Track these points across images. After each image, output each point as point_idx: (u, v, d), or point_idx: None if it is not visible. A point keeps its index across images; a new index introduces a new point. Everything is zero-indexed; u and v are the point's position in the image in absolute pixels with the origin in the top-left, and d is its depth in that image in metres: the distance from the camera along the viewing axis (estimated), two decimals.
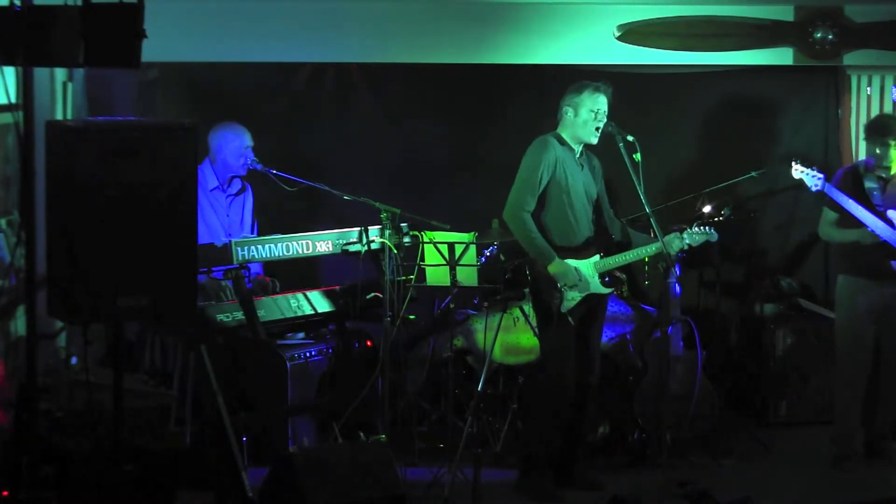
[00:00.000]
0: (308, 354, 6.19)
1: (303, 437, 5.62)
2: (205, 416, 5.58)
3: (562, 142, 6.00)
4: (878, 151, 6.39)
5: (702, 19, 7.37)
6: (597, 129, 5.94)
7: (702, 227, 6.10)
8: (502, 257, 6.49)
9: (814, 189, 6.40)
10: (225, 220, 6.67)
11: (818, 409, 7.14)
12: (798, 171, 6.42)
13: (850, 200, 6.30)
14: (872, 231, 6.29)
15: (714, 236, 6.13)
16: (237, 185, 6.74)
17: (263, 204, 6.92)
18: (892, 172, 6.41)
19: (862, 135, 6.77)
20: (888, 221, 6.32)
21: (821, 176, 6.36)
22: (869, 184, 6.40)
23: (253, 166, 6.52)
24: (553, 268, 5.87)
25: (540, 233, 5.92)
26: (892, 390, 6.57)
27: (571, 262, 5.93)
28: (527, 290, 6.31)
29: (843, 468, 6.45)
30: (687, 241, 6.04)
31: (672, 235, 6.04)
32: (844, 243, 6.47)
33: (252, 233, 6.77)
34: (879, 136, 6.41)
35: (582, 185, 6.02)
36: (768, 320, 7.31)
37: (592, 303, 6.03)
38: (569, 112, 5.98)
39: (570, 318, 5.92)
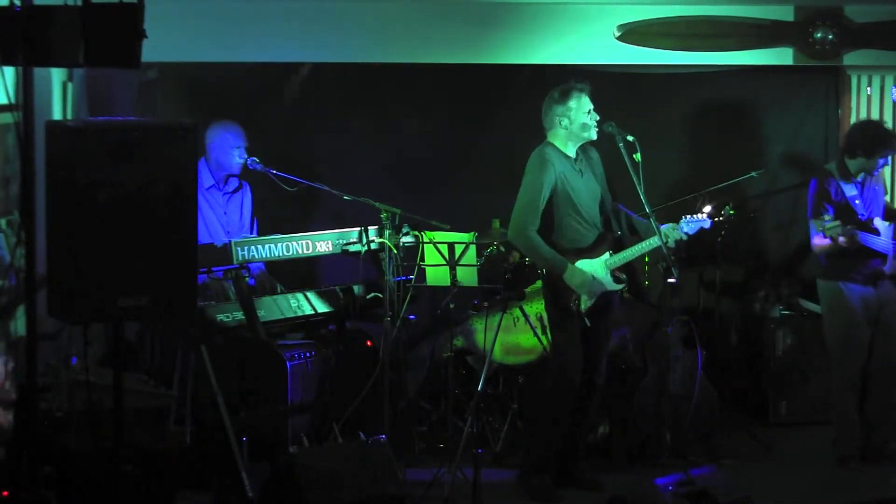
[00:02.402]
0: (308, 354, 6.19)
1: (303, 437, 5.61)
2: (205, 416, 5.58)
3: (557, 152, 5.98)
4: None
5: (701, 19, 7.36)
6: (595, 125, 5.95)
7: (695, 216, 6.11)
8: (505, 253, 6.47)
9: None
10: (223, 219, 6.66)
11: (818, 409, 7.12)
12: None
13: (855, 234, 6.24)
14: (885, 252, 6.29)
15: (707, 223, 6.14)
16: (234, 183, 6.74)
17: (263, 204, 6.91)
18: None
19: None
20: (875, 231, 6.31)
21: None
22: (850, 192, 6.39)
23: (253, 166, 6.52)
24: (568, 277, 5.87)
25: (551, 248, 5.90)
26: (888, 389, 6.57)
27: (584, 263, 5.92)
28: (528, 289, 6.32)
29: (847, 467, 6.44)
30: (685, 230, 6.05)
31: (668, 226, 6.03)
32: (831, 250, 6.42)
33: (252, 231, 6.76)
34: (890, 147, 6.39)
35: (587, 190, 6.01)
36: (768, 320, 7.31)
37: (604, 301, 6.03)
38: (563, 122, 5.96)
39: (586, 320, 5.92)
